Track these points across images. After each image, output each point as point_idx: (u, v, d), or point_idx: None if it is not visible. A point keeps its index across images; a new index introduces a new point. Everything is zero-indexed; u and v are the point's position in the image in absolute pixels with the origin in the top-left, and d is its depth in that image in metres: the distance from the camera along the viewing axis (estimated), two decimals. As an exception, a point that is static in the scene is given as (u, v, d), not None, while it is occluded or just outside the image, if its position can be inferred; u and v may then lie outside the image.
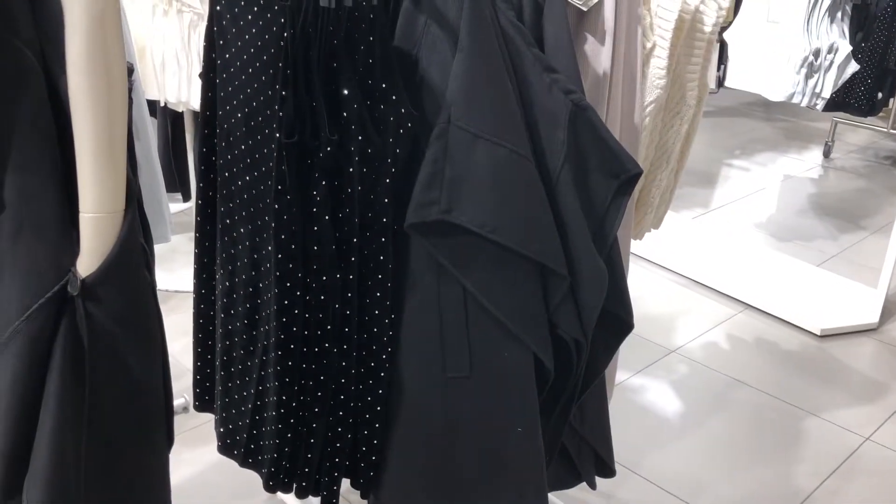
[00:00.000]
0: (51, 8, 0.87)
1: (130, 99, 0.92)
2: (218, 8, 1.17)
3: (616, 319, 1.32)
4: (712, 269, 3.00)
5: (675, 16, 1.39)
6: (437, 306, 1.20)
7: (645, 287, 2.97)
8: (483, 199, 1.13)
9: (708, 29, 1.46)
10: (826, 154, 4.59)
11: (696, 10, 1.44)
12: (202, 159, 1.25)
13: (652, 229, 1.69)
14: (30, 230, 0.84)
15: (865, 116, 3.69)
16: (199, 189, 1.28)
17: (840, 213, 3.77)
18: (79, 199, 0.85)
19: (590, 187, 1.24)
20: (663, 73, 1.43)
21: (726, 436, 2.13)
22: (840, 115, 4.40)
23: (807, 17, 2.47)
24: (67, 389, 0.83)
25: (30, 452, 0.85)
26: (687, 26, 1.44)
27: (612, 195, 1.24)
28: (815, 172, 4.42)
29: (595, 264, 1.23)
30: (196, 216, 1.30)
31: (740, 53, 2.69)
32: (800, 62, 2.49)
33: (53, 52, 0.86)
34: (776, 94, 2.58)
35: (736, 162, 4.50)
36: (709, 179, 4.19)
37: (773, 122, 5.27)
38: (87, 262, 0.85)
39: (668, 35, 1.40)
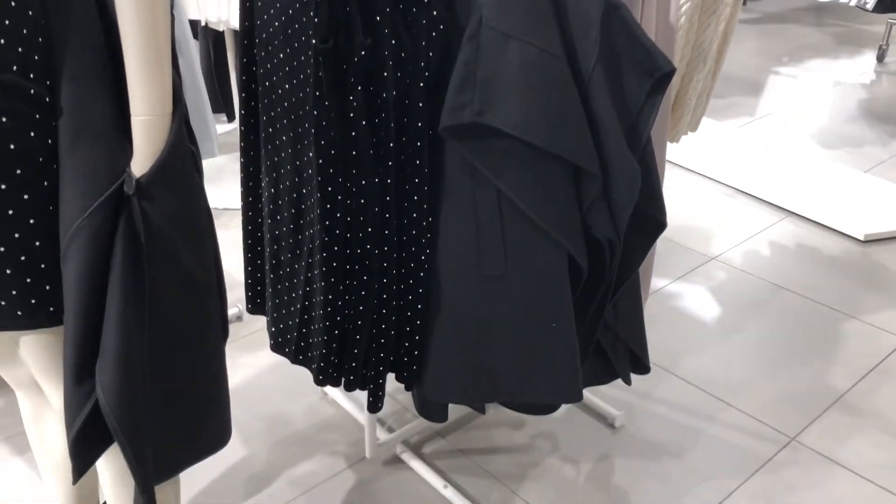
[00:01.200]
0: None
1: (172, 16, 0.96)
2: (252, -82, 1.19)
3: (649, 219, 1.34)
4: (756, 177, 2.98)
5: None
6: (473, 208, 1.25)
7: (687, 196, 2.96)
8: (515, 100, 1.16)
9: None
10: (880, 58, 4.44)
11: None
12: (243, 69, 1.30)
13: (689, 132, 1.70)
14: (86, 135, 0.90)
15: (923, 17, 3.55)
16: (241, 99, 1.33)
17: (890, 118, 3.68)
18: (129, 104, 0.90)
19: (623, 86, 1.25)
20: (698, -29, 1.41)
21: (764, 338, 2.16)
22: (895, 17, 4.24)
23: (857, -89, 2.37)
24: (128, 281, 0.90)
25: (98, 341, 0.92)
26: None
27: (647, 94, 1.25)
28: (868, 77, 4.28)
29: (628, 164, 1.25)
30: (239, 126, 1.35)
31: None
32: (849, -41, 2.41)
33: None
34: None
35: (784, 69, 4.38)
36: (755, 88, 4.09)
37: (823, 27, 5.09)
38: (140, 163, 0.90)
39: (704, -70, 1.38)
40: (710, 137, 3.33)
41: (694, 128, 1.70)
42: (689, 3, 1.44)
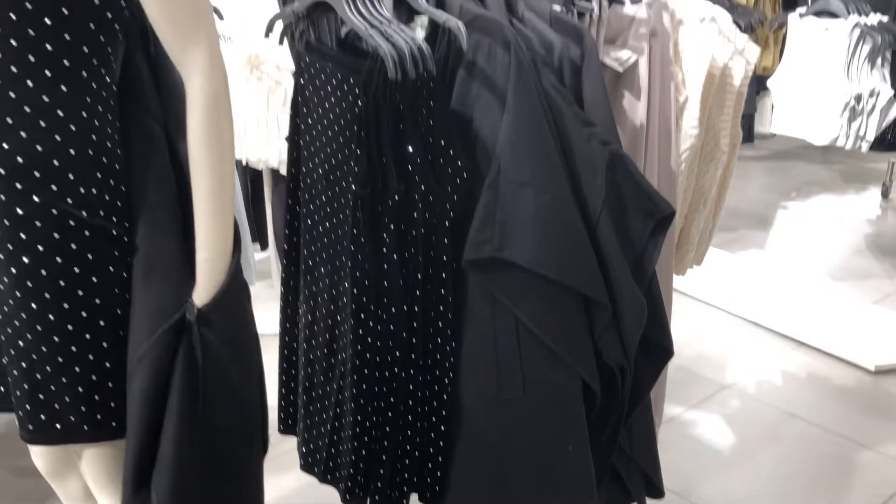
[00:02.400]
0: (173, 83, 1.08)
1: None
2: (301, 81, 1.38)
3: (657, 347, 1.44)
4: (766, 308, 3.08)
5: (705, 72, 1.54)
6: (493, 335, 1.36)
7: (699, 325, 3.06)
8: (530, 239, 1.29)
9: (737, 83, 1.61)
10: (884, 195, 4.61)
11: (725, 66, 1.59)
12: (289, 209, 1.45)
13: (694, 265, 1.82)
14: (157, 271, 1.03)
15: (921, 156, 3.74)
16: (285, 235, 1.48)
17: (897, 252, 3.80)
18: (196, 243, 1.04)
19: (629, 227, 1.38)
20: (696, 123, 1.58)
21: (778, 466, 2.20)
22: (897, 156, 4.43)
23: (846, 63, 2.59)
24: (185, 399, 1.01)
25: (155, 453, 1.03)
26: (717, 81, 1.59)
27: (650, 233, 1.38)
28: (873, 213, 4.44)
29: (635, 296, 1.37)
30: (282, 259, 1.49)
31: (784, 99, 2.81)
32: (842, 107, 2.60)
33: (174, 121, 1.07)
34: (820, 139, 2.68)
35: (792, 205, 4.56)
36: (764, 222, 4.25)
37: (829, 164, 5.30)
38: (201, 295, 1.03)
39: (699, 89, 1.55)
40: (721, 269, 3.45)
41: (699, 262, 1.82)
42: (688, 152, 1.60)
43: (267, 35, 1.44)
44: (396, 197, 1.28)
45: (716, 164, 1.66)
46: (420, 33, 1.32)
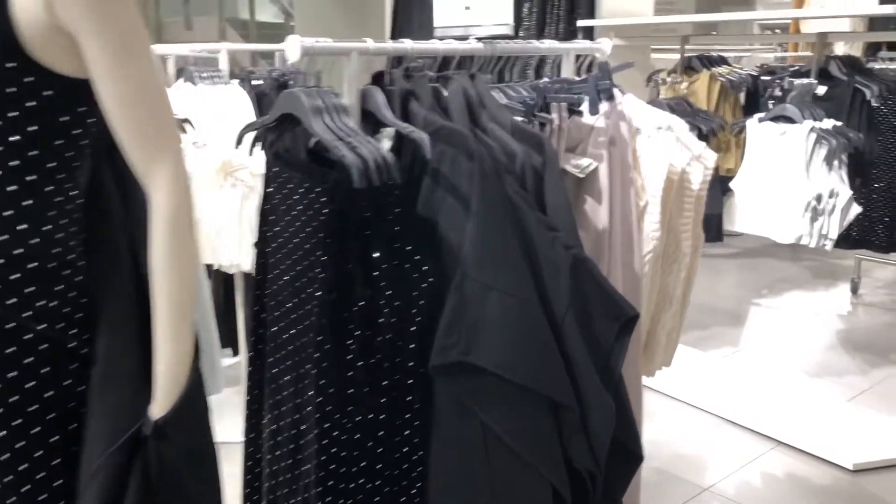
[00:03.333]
0: (138, 197, 1.09)
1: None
2: (269, 189, 1.40)
3: (626, 450, 1.43)
4: (742, 406, 3.07)
5: (663, 177, 1.59)
6: (461, 441, 1.34)
7: (677, 425, 3.03)
8: (496, 342, 1.29)
9: (696, 187, 1.65)
10: (854, 291, 4.68)
11: (683, 171, 1.64)
12: (254, 316, 1.45)
13: (663, 367, 1.82)
14: (114, 382, 1.02)
15: (887, 253, 3.80)
16: (250, 343, 1.47)
17: (869, 348, 3.82)
18: (154, 355, 1.03)
19: (594, 329, 1.39)
20: (657, 226, 1.61)
21: (761, 573, 2.14)
22: (863, 253, 4.52)
23: (806, 165, 2.67)
24: (139, 514, 0.98)
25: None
26: (676, 185, 1.64)
27: (615, 336, 1.39)
28: (844, 309, 4.49)
29: (602, 398, 1.36)
30: (248, 366, 1.48)
31: (747, 200, 2.88)
32: (803, 206, 2.67)
33: (140, 232, 1.08)
34: (784, 237, 2.74)
35: (764, 301, 4.61)
36: (737, 319, 4.29)
37: (798, 261, 5.40)
38: (159, 408, 1.02)
39: (659, 193, 1.60)
40: (695, 368, 3.45)
41: (668, 362, 1.83)
42: (651, 254, 1.63)
43: (237, 146, 1.47)
44: (362, 303, 1.28)
45: (679, 266, 1.69)
46: (386, 144, 1.36)
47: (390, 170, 1.24)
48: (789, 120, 2.75)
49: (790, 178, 2.71)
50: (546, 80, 1.66)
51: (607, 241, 1.59)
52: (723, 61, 3.42)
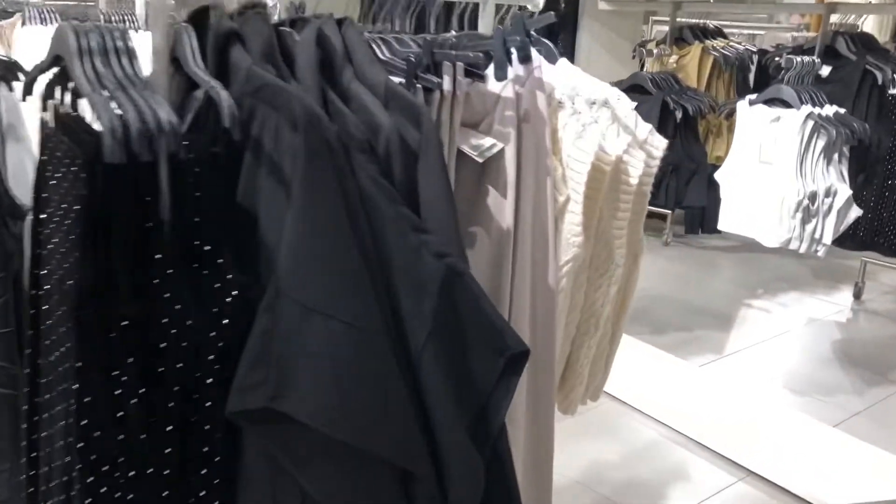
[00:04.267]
0: None
1: None
2: (44, 158, 1.05)
3: (506, 526, 1.09)
4: (714, 426, 2.72)
5: (588, 167, 1.23)
6: (275, 506, 1.00)
7: (635, 445, 2.69)
8: (317, 385, 0.95)
9: (634, 181, 1.29)
10: (857, 296, 4.30)
11: (619, 159, 1.28)
12: (31, 321, 1.10)
13: (588, 401, 1.47)
14: None
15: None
16: (27, 356, 1.13)
17: (868, 363, 3.46)
18: None
19: (469, 365, 1.05)
20: (579, 229, 1.25)
21: None
22: (870, 255, 4.13)
23: (799, 159, 2.30)
24: None
25: None
26: (608, 178, 1.27)
27: (499, 375, 1.05)
28: (843, 316, 4.12)
29: (469, 459, 1.02)
30: (24, 385, 1.14)
31: (732, 195, 2.51)
32: (794, 206, 2.30)
33: None
34: (770, 240, 2.38)
35: (756, 302, 4.24)
36: (724, 321, 3.92)
37: (801, 259, 4.98)
38: None
39: (581, 188, 1.23)
40: (668, 376, 3.10)
41: (595, 397, 1.48)
42: (571, 264, 1.27)
43: (23, 97, 1.12)
44: (130, 321, 0.93)
45: (609, 280, 1.33)
46: (196, 102, 1.00)
47: (170, 139, 0.89)
48: (785, 104, 2.37)
49: (781, 171, 2.34)
50: (452, 33, 1.30)
51: (512, 247, 1.24)
52: (719, 34, 3.02)
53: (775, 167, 2.36)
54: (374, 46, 1.22)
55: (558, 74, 1.33)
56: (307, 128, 0.94)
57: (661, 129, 2.79)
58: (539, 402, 1.32)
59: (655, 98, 2.70)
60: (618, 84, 2.90)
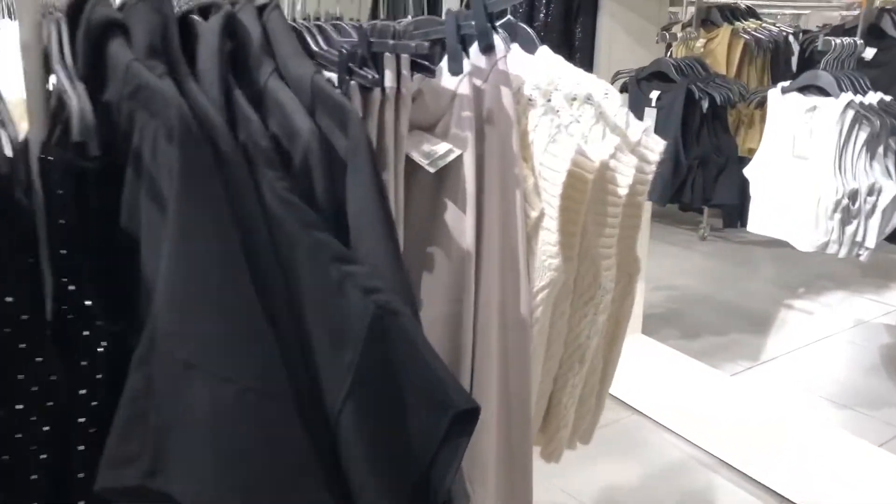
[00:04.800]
0: None
1: None
2: None
3: None
4: (746, 445, 2.48)
5: (562, 176, 1.02)
6: None
7: (658, 466, 2.47)
8: (202, 460, 0.76)
9: (623, 191, 1.08)
10: (909, 295, 3.99)
11: (605, 166, 1.07)
12: None
13: (579, 444, 1.27)
14: None
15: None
16: None
17: (920, 371, 3.18)
18: None
19: (403, 427, 0.86)
20: (556, 249, 1.05)
21: None
22: (923, 251, 3.83)
23: (838, 154, 2.05)
24: None
25: None
26: (592, 188, 1.07)
27: (443, 436, 0.85)
28: (894, 318, 3.82)
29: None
30: None
31: (762, 193, 2.27)
32: (832, 206, 2.05)
33: None
34: (805, 244, 2.13)
35: (798, 303, 3.96)
36: (762, 324, 3.66)
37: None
38: None
39: (556, 201, 1.03)
40: (696, 386, 2.87)
41: (585, 439, 1.27)
42: (547, 290, 1.07)
43: None
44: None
45: (596, 307, 1.13)
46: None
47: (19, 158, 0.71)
48: (822, 92, 2.11)
49: (817, 167, 2.09)
50: (407, 19, 1.10)
51: (473, 271, 1.04)
52: (751, 14, 2.76)
53: (811, 162, 2.11)
54: (307, 36, 1.03)
55: (536, 66, 1.13)
56: (183, 138, 0.75)
57: (685, 119, 2.56)
58: (514, 452, 1.12)
59: (679, 86, 2.47)
60: (638, 72, 2.67)
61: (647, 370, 3.02)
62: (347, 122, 0.89)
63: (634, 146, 1.12)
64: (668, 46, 2.69)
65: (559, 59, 1.17)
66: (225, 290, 0.77)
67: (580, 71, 1.15)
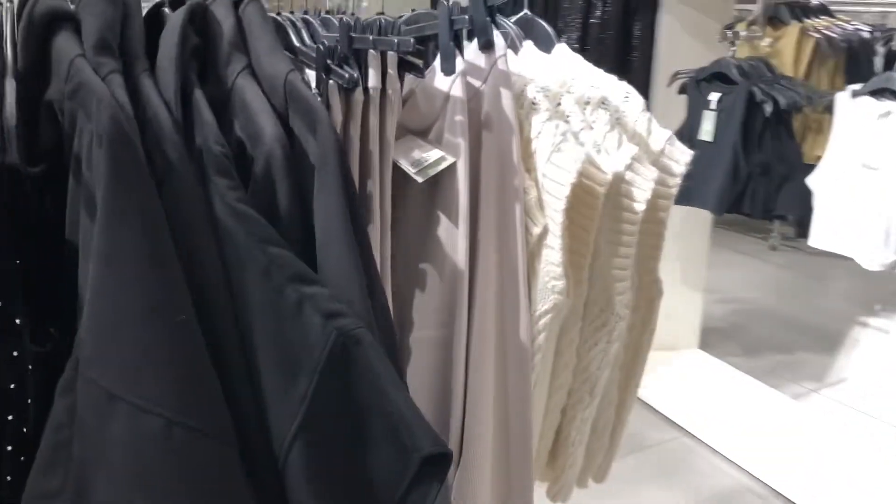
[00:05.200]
0: None
1: None
2: None
3: None
4: (807, 476, 2.30)
5: (567, 189, 0.91)
6: None
7: (707, 495, 2.31)
8: (127, 500, 0.69)
9: (640, 206, 0.96)
10: None
11: (619, 179, 0.95)
12: None
13: (593, 481, 1.15)
14: None
15: None
16: None
17: None
18: None
19: (364, 469, 0.76)
20: (560, 270, 0.94)
21: None
22: None
23: (914, 163, 1.86)
24: None
25: None
26: (605, 202, 0.95)
27: (412, 478, 0.76)
28: (982, 340, 3.53)
29: None
30: None
31: (826, 205, 2.09)
32: (905, 221, 1.87)
33: None
34: (872, 262, 1.95)
35: (874, 321, 3.70)
36: (832, 343, 3.42)
37: (932, 269, 4.38)
38: None
39: (560, 217, 0.92)
40: (754, 408, 2.69)
41: (600, 477, 1.15)
42: (551, 314, 0.96)
43: None
44: None
45: (609, 335, 1.01)
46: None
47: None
48: (897, 95, 1.93)
49: (889, 178, 1.90)
50: (408, 13, 1.00)
51: (466, 291, 0.94)
52: (823, 11, 2.56)
53: (881, 173, 1.93)
54: (290, 31, 0.94)
55: (550, 65, 1.02)
56: (113, 144, 0.68)
57: (746, 124, 2.39)
58: (513, 491, 1.02)
59: (741, 88, 2.30)
60: (698, 72, 2.51)
61: (700, 388, 2.86)
62: (317, 126, 0.80)
63: (657, 156, 1.00)
64: (732, 45, 2.52)
65: (578, 58, 1.06)
66: (155, 312, 0.69)
67: (599, 72, 1.03)
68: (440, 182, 0.93)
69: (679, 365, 3.00)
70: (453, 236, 0.93)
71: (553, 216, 0.93)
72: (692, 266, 3.04)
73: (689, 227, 2.90)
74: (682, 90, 2.52)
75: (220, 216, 0.75)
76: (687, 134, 2.49)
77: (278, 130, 0.80)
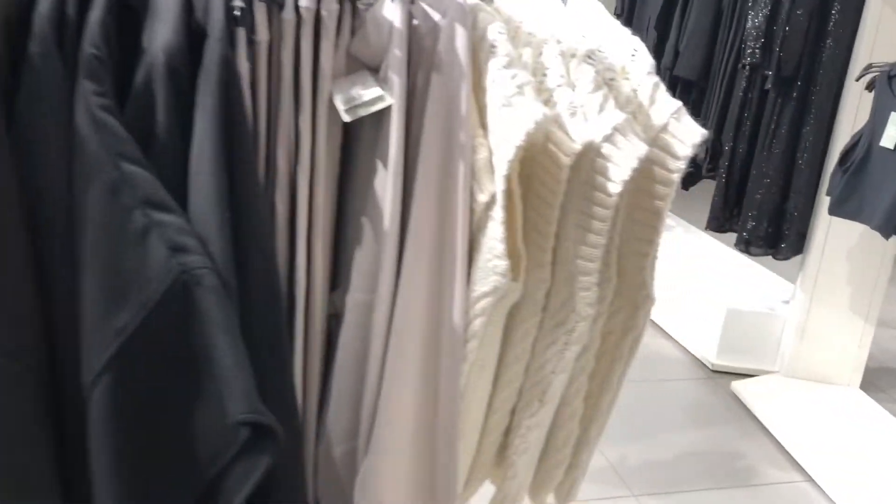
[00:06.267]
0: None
1: None
2: None
3: None
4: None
5: (511, 153, 0.75)
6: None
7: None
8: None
9: (615, 188, 0.78)
10: None
11: (592, 150, 0.78)
12: None
13: (556, 501, 0.99)
14: None
15: None
16: None
17: None
18: None
19: (185, 422, 0.68)
20: (502, 248, 0.79)
21: None
22: None
23: None
24: None
25: None
26: (570, 176, 0.79)
27: (237, 448, 0.67)
28: None
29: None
30: None
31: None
32: None
33: None
34: None
35: None
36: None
37: None
38: None
39: (502, 184, 0.77)
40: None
41: (563, 498, 0.99)
42: (490, 298, 0.81)
43: None
44: None
45: (568, 335, 0.84)
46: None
47: None
48: None
49: None
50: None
51: (393, 256, 0.82)
52: None
53: None
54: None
55: (549, 8, 0.86)
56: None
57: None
58: (437, 489, 0.90)
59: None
60: (892, 67, 2.11)
61: (844, 432, 2.48)
62: (206, 39, 0.71)
63: (657, 131, 0.81)
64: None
65: (598, 4, 0.88)
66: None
67: (612, 22, 0.86)
68: (377, 128, 0.81)
69: (827, 401, 2.62)
70: (384, 187, 0.81)
71: (497, 181, 0.78)
72: (863, 292, 2.62)
73: (865, 245, 2.50)
74: (871, 86, 2.13)
75: (78, 122, 0.69)
76: (867, 137, 2.12)
77: (172, 40, 0.72)
